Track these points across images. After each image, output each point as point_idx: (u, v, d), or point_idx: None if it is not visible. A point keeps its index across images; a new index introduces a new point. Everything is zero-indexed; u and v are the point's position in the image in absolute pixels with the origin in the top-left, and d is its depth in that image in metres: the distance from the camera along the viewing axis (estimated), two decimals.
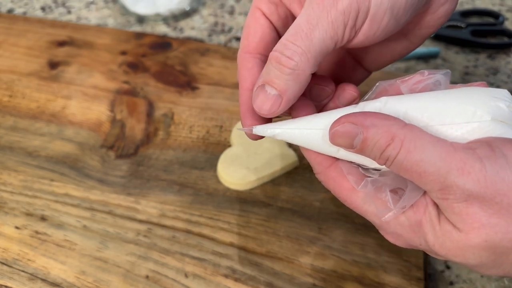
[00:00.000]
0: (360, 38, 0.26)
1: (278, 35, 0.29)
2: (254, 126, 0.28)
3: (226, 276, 0.37)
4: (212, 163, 0.45)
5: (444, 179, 0.22)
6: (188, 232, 0.40)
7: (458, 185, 0.22)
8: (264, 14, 0.29)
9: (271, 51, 0.27)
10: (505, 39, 0.58)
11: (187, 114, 0.49)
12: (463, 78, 0.55)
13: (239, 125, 0.46)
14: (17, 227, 0.41)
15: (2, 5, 0.65)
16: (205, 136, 0.47)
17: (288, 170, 0.44)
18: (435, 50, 0.57)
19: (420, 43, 0.30)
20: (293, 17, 0.28)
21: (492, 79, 0.54)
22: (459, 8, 0.63)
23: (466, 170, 0.22)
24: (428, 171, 0.22)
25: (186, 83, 0.52)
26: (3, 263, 0.38)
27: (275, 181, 0.43)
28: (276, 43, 0.27)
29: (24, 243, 0.40)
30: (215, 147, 0.46)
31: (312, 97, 0.30)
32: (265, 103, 0.26)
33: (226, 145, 0.46)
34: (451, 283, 0.39)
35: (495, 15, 0.61)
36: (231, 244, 0.39)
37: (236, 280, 0.37)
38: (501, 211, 0.22)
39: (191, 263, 0.38)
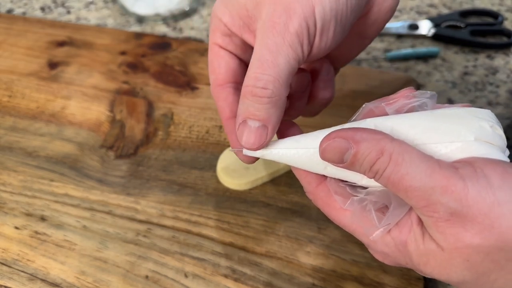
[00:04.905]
0: (314, 51, 0.27)
1: (240, 61, 0.31)
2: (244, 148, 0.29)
3: (225, 276, 0.37)
4: (211, 163, 0.45)
5: (429, 196, 0.22)
6: (188, 232, 0.40)
7: (442, 202, 0.22)
8: (222, 47, 0.30)
9: (238, 77, 0.29)
10: (504, 39, 0.59)
11: (187, 114, 0.49)
12: (463, 78, 0.55)
13: None
14: (16, 227, 0.41)
15: (1, 5, 0.65)
16: (205, 136, 0.47)
17: (288, 170, 0.44)
18: (434, 50, 0.57)
19: (374, 37, 0.32)
20: (247, 45, 0.30)
21: (492, 79, 0.54)
22: (459, 8, 0.63)
23: (450, 188, 0.22)
24: (414, 186, 0.23)
25: (185, 83, 0.52)
26: (2, 264, 0.38)
27: (275, 181, 0.43)
28: (240, 68, 0.30)
29: (24, 243, 0.40)
30: (214, 147, 0.46)
31: (295, 87, 0.31)
32: (251, 137, 0.27)
33: (226, 145, 0.46)
34: None
35: (494, 15, 0.61)
36: (231, 244, 0.39)
37: (235, 280, 0.37)
38: (483, 232, 0.22)
39: (190, 263, 0.38)
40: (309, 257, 0.38)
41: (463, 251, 0.23)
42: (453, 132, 0.24)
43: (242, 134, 0.27)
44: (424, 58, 0.57)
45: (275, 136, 0.29)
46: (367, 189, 0.27)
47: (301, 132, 0.29)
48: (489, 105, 0.52)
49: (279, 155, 0.28)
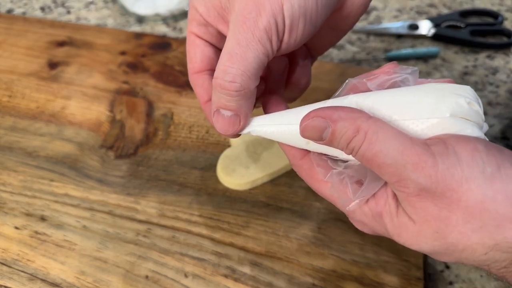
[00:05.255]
0: (284, 47, 0.28)
1: (216, 49, 0.32)
2: None
3: (226, 276, 0.37)
4: (211, 163, 0.45)
5: (401, 172, 0.24)
6: (188, 232, 0.40)
7: (412, 179, 0.23)
8: (198, 36, 0.31)
9: (214, 65, 0.30)
10: (504, 39, 0.59)
11: (187, 114, 0.49)
12: (463, 78, 0.55)
13: None
14: (16, 227, 0.41)
15: (1, 5, 0.65)
16: (205, 136, 0.47)
17: (288, 170, 0.44)
18: (434, 50, 0.57)
19: (349, 30, 0.32)
20: (223, 34, 0.30)
21: (492, 79, 0.54)
22: (459, 8, 0.63)
23: (420, 165, 0.23)
24: (386, 163, 0.24)
25: (185, 83, 0.52)
26: (2, 264, 0.38)
27: (275, 181, 0.43)
28: (216, 56, 0.31)
29: (24, 243, 0.40)
30: (214, 147, 0.46)
31: (273, 71, 0.33)
32: (225, 125, 0.29)
33: (226, 145, 0.46)
34: (451, 283, 0.39)
35: (494, 15, 0.61)
36: (231, 244, 0.39)
37: (235, 280, 0.37)
38: (451, 205, 0.23)
39: (190, 263, 0.38)
40: (309, 257, 0.38)
41: (432, 224, 0.24)
42: (430, 109, 0.25)
43: (217, 122, 0.29)
44: (424, 58, 0.57)
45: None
46: (346, 163, 0.28)
47: (287, 109, 0.30)
48: (489, 105, 0.52)
49: (263, 131, 0.29)
